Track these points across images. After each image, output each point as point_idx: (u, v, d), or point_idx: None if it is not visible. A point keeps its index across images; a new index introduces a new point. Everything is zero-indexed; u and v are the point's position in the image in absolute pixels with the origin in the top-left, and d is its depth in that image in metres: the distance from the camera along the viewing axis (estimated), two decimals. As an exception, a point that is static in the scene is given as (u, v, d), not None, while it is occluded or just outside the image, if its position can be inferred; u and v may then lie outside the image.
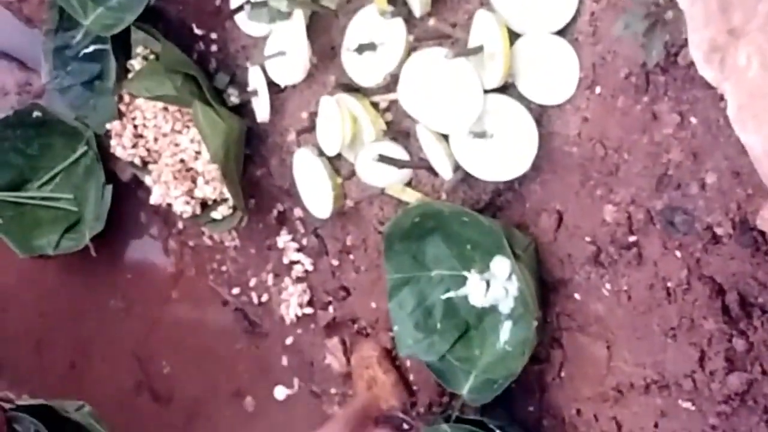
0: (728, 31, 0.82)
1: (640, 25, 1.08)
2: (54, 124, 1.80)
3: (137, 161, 1.71)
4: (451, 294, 1.40)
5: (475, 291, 1.37)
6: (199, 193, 1.64)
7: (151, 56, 1.64)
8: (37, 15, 1.78)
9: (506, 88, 1.30)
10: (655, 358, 1.27)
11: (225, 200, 1.65)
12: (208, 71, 1.65)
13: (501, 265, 1.33)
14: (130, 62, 1.65)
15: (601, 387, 1.35)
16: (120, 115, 1.70)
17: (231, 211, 1.65)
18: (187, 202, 1.65)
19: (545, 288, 1.38)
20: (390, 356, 1.61)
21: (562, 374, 1.40)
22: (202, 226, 1.75)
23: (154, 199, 1.67)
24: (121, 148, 1.69)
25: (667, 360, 1.26)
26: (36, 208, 1.90)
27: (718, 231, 1.16)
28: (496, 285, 1.35)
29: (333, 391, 1.71)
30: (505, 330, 1.37)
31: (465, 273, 1.39)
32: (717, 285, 1.19)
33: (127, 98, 1.69)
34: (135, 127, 1.69)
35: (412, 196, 1.43)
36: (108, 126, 1.71)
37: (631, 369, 1.31)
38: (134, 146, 1.69)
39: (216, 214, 1.66)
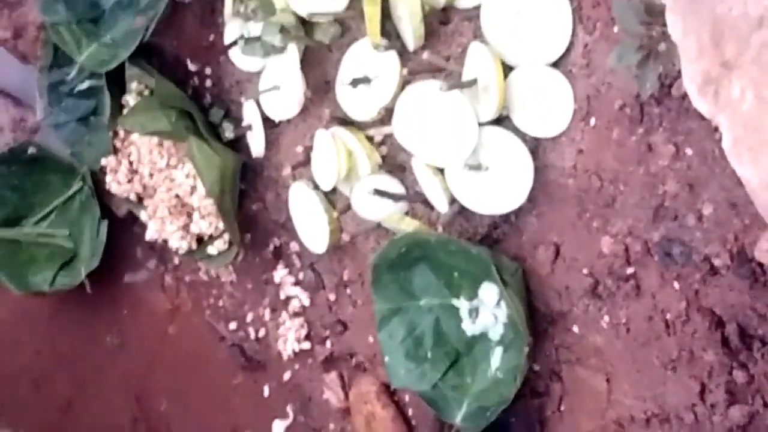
0: (721, 64, 0.82)
1: (634, 57, 1.08)
2: (49, 160, 1.80)
3: (132, 197, 1.70)
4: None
5: (465, 319, 1.37)
6: (194, 228, 1.64)
7: (146, 91, 1.64)
8: (31, 52, 1.78)
9: (501, 121, 1.30)
10: (656, 390, 1.26)
11: (221, 235, 1.64)
12: (203, 106, 1.65)
13: (489, 291, 1.33)
14: (125, 98, 1.65)
15: (602, 420, 1.33)
16: (115, 151, 1.70)
17: (227, 246, 1.64)
18: (183, 238, 1.64)
19: (543, 320, 1.37)
20: (388, 391, 1.60)
21: (562, 408, 1.39)
22: (198, 261, 1.74)
23: (149, 235, 1.67)
24: (116, 183, 1.69)
25: (667, 393, 1.25)
26: (31, 244, 1.90)
27: (716, 262, 1.15)
28: (485, 312, 1.35)
29: (331, 426, 1.70)
30: (496, 357, 1.36)
31: (453, 300, 1.38)
32: (716, 317, 1.18)
33: (122, 134, 1.69)
34: (130, 162, 1.69)
35: (410, 226, 1.42)
36: (103, 162, 1.71)
37: (631, 402, 1.29)
38: (129, 182, 1.69)
39: (212, 249, 1.65)
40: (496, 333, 1.35)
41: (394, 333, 1.43)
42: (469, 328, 1.37)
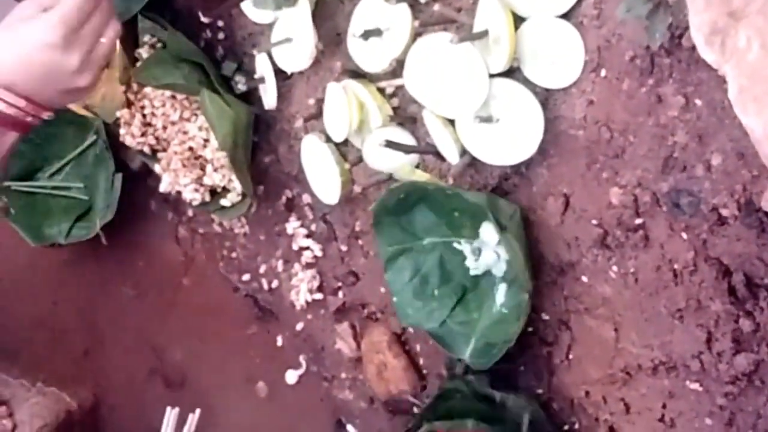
0: (728, 14, 0.82)
1: (643, 8, 1.08)
2: (63, 113, 1.81)
3: (146, 150, 1.72)
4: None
5: (469, 257, 1.39)
6: (208, 180, 1.65)
7: (159, 45, 1.65)
8: (45, 5, 1.78)
9: (512, 72, 1.31)
10: (663, 339, 1.28)
11: (234, 187, 1.65)
12: (216, 59, 1.66)
13: (489, 231, 1.34)
14: (137, 51, 1.66)
15: (610, 369, 1.35)
16: (128, 104, 1.71)
17: (240, 198, 1.66)
18: (197, 190, 1.66)
19: (553, 270, 1.39)
20: (400, 341, 1.62)
21: (571, 356, 1.41)
22: (211, 213, 1.76)
23: (163, 187, 1.68)
24: (130, 136, 1.70)
25: (674, 341, 1.27)
26: (47, 197, 1.92)
27: (724, 212, 1.16)
28: (487, 251, 1.36)
29: (343, 375, 1.72)
30: (501, 292, 1.38)
31: (455, 244, 1.40)
32: (723, 266, 1.20)
33: (135, 87, 1.70)
34: (144, 115, 1.70)
35: (421, 177, 1.43)
36: (117, 114, 1.72)
37: (638, 351, 1.31)
38: (143, 135, 1.70)
39: (225, 202, 1.66)
40: (499, 270, 1.37)
41: (400, 273, 1.45)
42: (473, 266, 1.39)
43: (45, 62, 1.28)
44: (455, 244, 1.40)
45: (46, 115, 1.35)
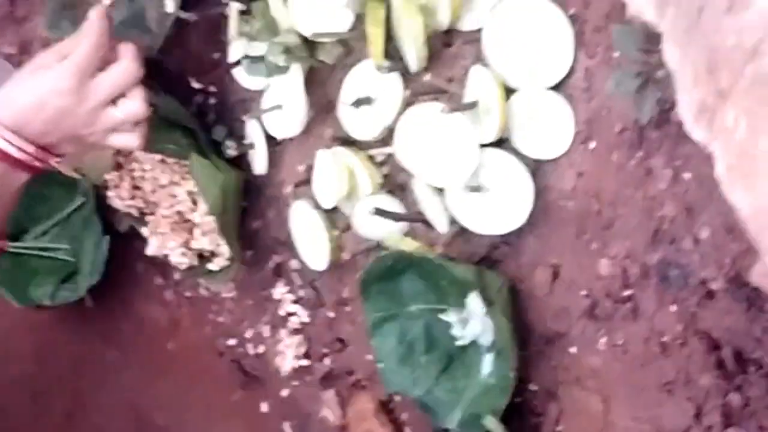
0: (716, 93, 0.83)
1: (632, 84, 1.09)
2: (51, 174, 1.80)
3: (134, 212, 1.71)
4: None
5: (455, 326, 1.39)
6: (195, 244, 1.65)
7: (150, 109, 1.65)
8: (36, 68, 1.79)
9: (502, 143, 1.31)
10: (652, 412, 1.27)
11: (222, 252, 1.65)
12: (207, 124, 1.66)
13: (476, 302, 1.34)
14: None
15: (598, 441, 1.34)
16: (118, 167, 1.71)
17: (228, 262, 1.65)
18: (184, 254, 1.65)
19: (541, 340, 1.38)
20: (386, 409, 1.60)
21: (559, 428, 1.40)
22: (198, 277, 1.75)
23: (150, 251, 1.68)
24: (118, 199, 1.70)
25: (663, 415, 1.26)
26: (33, 258, 1.90)
27: (713, 286, 1.16)
28: (473, 321, 1.36)
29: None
30: (487, 362, 1.37)
31: (442, 315, 1.40)
32: (712, 340, 1.19)
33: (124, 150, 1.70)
34: (133, 178, 1.70)
35: (410, 246, 1.43)
36: (106, 177, 1.72)
37: (627, 423, 1.30)
38: (132, 198, 1.70)
39: (213, 266, 1.66)
40: (486, 339, 1.36)
41: (386, 340, 1.45)
42: (459, 335, 1.39)
43: (57, 107, 1.32)
44: (442, 315, 1.40)
45: (55, 161, 1.38)
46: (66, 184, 1.84)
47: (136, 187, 1.70)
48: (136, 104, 1.36)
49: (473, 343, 1.39)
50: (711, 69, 0.84)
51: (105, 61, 1.35)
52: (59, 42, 1.39)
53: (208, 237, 1.64)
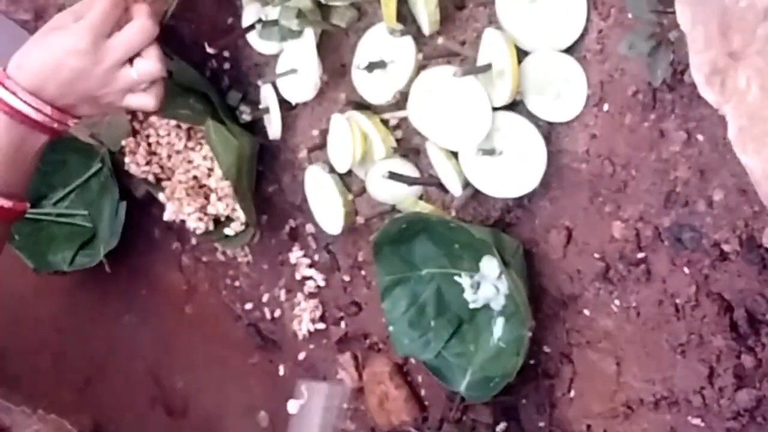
0: (728, 54, 0.83)
1: (645, 45, 1.08)
2: (68, 141, 1.81)
3: (151, 178, 1.72)
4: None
5: (467, 290, 1.39)
6: (212, 209, 1.66)
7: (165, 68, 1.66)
8: (52, 34, 1.79)
9: (515, 106, 1.31)
10: (665, 374, 1.28)
11: (237, 217, 1.66)
12: (221, 89, 1.67)
13: (490, 264, 1.35)
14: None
15: (611, 403, 1.35)
16: (134, 133, 1.72)
17: (243, 227, 1.66)
18: (200, 219, 1.66)
19: (555, 303, 1.39)
20: (402, 371, 1.62)
21: (572, 390, 1.41)
22: (215, 242, 1.76)
23: (167, 216, 1.69)
24: (134, 165, 1.71)
25: (676, 376, 1.26)
26: (51, 224, 1.92)
27: (726, 248, 1.16)
28: (486, 285, 1.37)
29: (345, 405, 1.72)
30: (498, 326, 1.39)
31: (455, 277, 1.41)
32: (725, 302, 1.20)
33: (140, 116, 1.70)
34: (149, 144, 1.71)
35: (424, 209, 1.43)
36: (123, 143, 1.72)
37: (640, 385, 1.31)
38: (148, 163, 1.71)
39: (229, 231, 1.67)
40: (497, 303, 1.37)
41: (397, 303, 1.46)
42: (471, 299, 1.39)
43: (73, 67, 1.32)
44: (455, 277, 1.40)
45: (72, 123, 1.38)
46: (83, 150, 1.85)
47: (152, 153, 1.71)
48: (151, 64, 1.36)
49: (484, 307, 1.40)
50: (723, 30, 0.84)
51: (120, 21, 1.35)
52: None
53: (224, 202, 1.65)
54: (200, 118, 1.57)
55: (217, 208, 1.65)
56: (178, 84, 1.60)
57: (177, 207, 1.67)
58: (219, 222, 1.69)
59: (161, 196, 1.70)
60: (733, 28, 0.82)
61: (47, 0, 1.78)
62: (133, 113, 1.70)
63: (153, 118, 1.68)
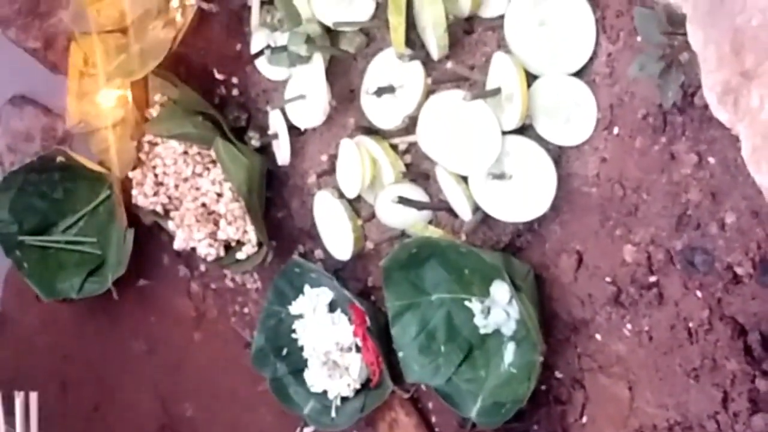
0: (741, 73, 0.82)
1: (655, 67, 1.08)
2: (77, 168, 1.82)
3: (159, 209, 1.72)
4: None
5: (477, 316, 1.39)
6: (222, 234, 1.65)
7: (170, 102, 1.66)
8: (61, 62, 1.80)
9: (524, 130, 1.31)
10: (678, 399, 1.26)
11: (249, 239, 1.65)
12: (229, 114, 1.66)
13: (500, 289, 1.34)
14: (148, 110, 1.67)
15: (624, 429, 1.34)
16: (140, 164, 1.71)
17: (255, 249, 1.66)
18: (211, 245, 1.66)
19: (566, 328, 1.38)
20: (412, 398, 1.60)
21: (585, 415, 1.39)
22: (225, 268, 1.75)
23: (177, 244, 1.68)
24: (142, 196, 1.71)
25: (689, 401, 1.25)
26: (60, 251, 1.92)
27: (739, 271, 1.16)
28: (497, 310, 1.36)
29: (355, 432, 1.71)
30: (509, 351, 1.38)
31: (466, 302, 1.40)
32: (738, 325, 1.19)
33: (146, 147, 1.70)
34: (155, 175, 1.70)
35: (434, 234, 1.43)
36: (130, 175, 1.72)
37: (653, 410, 1.30)
38: (155, 194, 1.71)
39: (241, 255, 1.66)
40: (508, 329, 1.37)
41: (406, 329, 1.46)
42: (482, 324, 1.39)
43: None
44: (466, 302, 1.40)
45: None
46: (91, 178, 1.86)
47: (159, 184, 1.71)
48: None
49: (495, 333, 1.39)
50: (735, 50, 0.83)
51: None
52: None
53: (234, 225, 1.64)
54: (208, 136, 1.57)
55: (228, 232, 1.65)
56: (183, 107, 1.60)
57: (187, 234, 1.66)
58: (229, 248, 1.69)
59: (170, 225, 1.70)
60: (746, 47, 0.82)
61: (57, 28, 1.79)
62: (139, 143, 1.70)
63: (159, 148, 1.68)
